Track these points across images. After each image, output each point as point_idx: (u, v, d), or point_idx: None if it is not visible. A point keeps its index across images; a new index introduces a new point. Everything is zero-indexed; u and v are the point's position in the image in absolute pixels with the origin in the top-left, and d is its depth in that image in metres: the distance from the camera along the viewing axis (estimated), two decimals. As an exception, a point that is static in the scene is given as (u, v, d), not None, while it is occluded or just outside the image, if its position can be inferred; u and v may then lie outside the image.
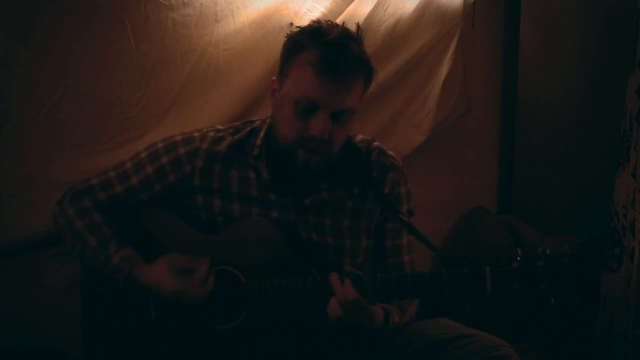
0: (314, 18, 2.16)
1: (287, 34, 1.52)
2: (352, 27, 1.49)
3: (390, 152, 1.66)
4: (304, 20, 2.18)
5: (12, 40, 1.85)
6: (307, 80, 1.41)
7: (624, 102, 2.01)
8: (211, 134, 1.60)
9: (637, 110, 1.97)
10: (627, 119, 2.00)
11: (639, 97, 1.96)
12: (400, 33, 2.40)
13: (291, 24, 2.18)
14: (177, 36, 2.05)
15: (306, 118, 1.43)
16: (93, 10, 1.93)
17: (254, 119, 1.67)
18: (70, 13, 1.91)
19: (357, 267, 1.42)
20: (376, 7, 2.32)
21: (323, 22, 1.50)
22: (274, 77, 1.53)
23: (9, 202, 1.92)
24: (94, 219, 1.57)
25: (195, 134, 1.60)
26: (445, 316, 1.61)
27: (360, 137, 1.66)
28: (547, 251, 1.31)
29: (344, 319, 1.40)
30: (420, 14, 2.43)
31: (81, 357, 1.61)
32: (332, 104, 1.42)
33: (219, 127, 1.64)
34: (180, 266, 1.49)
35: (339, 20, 2.15)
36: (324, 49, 1.40)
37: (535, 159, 2.78)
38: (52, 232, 1.74)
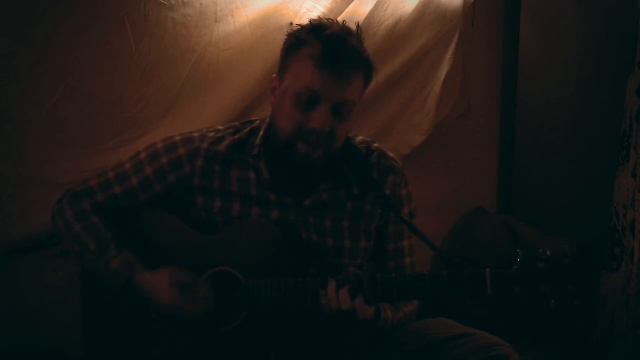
0: (314, 18, 2.17)
1: (288, 33, 1.53)
2: (353, 27, 1.50)
3: (391, 154, 1.65)
4: (304, 20, 2.17)
5: (12, 40, 1.85)
6: (308, 73, 1.42)
7: (624, 102, 2.01)
8: (211, 134, 1.60)
9: (637, 110, 1.96)
10: (627, 119, 2.00)
11: (639, 97, 1.96)
12: (400, 33, 2.41)
13: (291, 24, 2.18)
14: (177, 36, 2.05)
15: (307, 112, 1.44)
16: (93, 10, 1.94)
17: (253, 119, 1.67)
18: (70, 13, 1.91)
19: (357, 269, 1.42)
20: (376, 7, 2.32)
21: (324, 19, 1.51)
22: (274, 75, 1.54)
23: (9, 202, 1.92)
24: (93, 221, 1.56)
25: (195, 135, 1.60)
26: (446, 315, 1.61)
27: (360, 138, 1.66)
28: (548, 253, 1.30)
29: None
30: (420, 14, 2.44)
31: (81, 357, 1.61)
32: (332, 95, 1.43)
33: (219, 127, 1.64)
34: (181, 281, 1.49)
35: (339, 20, 2.15)
36: (325, 42, 1.42)
37: (535, 159, 2.78)
38: (52, 232, 1.73)
